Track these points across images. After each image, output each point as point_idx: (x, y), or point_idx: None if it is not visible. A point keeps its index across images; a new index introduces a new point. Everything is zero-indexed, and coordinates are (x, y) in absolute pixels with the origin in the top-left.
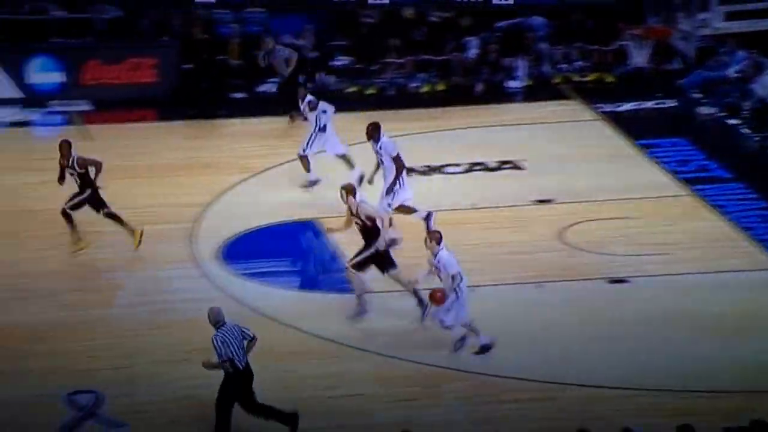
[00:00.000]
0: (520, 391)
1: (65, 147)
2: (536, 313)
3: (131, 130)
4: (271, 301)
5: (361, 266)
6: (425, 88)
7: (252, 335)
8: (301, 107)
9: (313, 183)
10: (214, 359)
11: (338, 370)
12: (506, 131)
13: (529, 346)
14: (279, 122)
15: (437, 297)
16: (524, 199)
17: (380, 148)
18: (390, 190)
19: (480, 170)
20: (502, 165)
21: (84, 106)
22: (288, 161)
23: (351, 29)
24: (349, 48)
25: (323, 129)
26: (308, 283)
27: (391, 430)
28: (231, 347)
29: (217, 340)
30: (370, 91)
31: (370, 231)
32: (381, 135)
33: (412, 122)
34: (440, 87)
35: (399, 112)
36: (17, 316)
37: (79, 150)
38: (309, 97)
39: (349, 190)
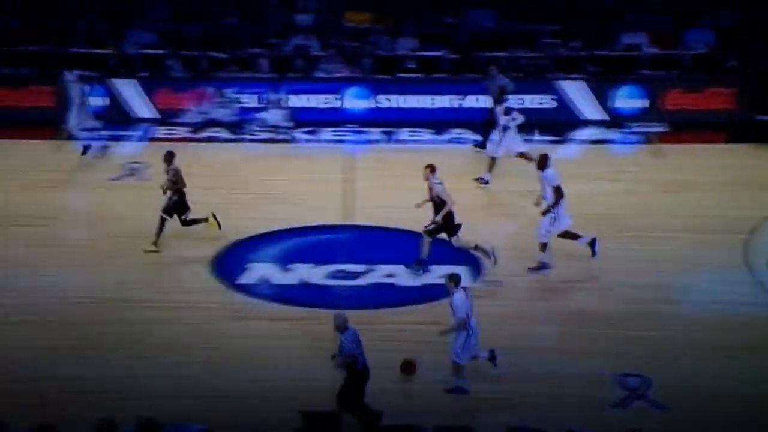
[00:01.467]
0: None
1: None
2: None
3: (700, 149)
4: None
5: (431, 233)
6: None
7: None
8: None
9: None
10: (340, 360)
11: None
12: None
13: None
14: None
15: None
16: None
17: (545, 177)
18: (545, 212)
19: None
20: None
21: (661, 128)
22: None
23: None
24: None
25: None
26: None
27: None
28: (358, 348)
29: (344, 343)
30: None
31: (439, 207)
32: (547, 165)
33: None
34: None
35: None
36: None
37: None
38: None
39: (433, 169)
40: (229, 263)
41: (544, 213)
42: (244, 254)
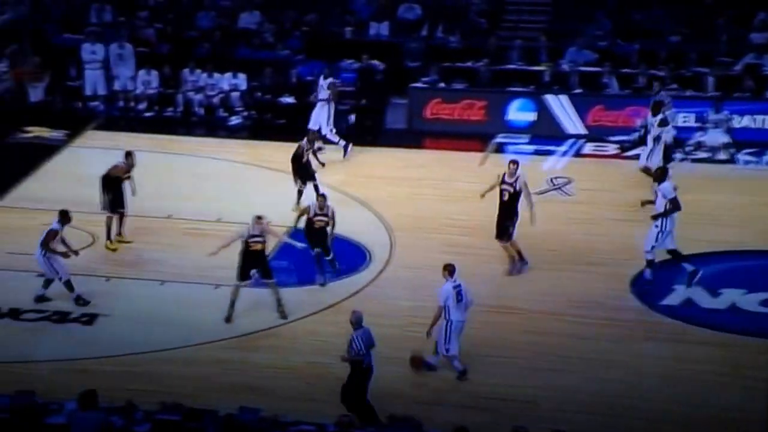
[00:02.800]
0: None
1: None
2: None
3: None
4: None
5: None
6: None
7: (374, 343)
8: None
9: None
10: (348, 355)
11: None
12: None
13: None
14: None
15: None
16: None
17: (660, 189)
18: (656, 217)
19: None
20: None
21: None
22: None
23: None
24: None
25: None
26: None
27: None
28: (365, 346)
29: (357, 338)
30: None
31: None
32: (665, 179)
33: None
34: None
35: None
36: None
37: None
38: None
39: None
40: (654, 283)
41: (655, 218)
42: (672, 275)
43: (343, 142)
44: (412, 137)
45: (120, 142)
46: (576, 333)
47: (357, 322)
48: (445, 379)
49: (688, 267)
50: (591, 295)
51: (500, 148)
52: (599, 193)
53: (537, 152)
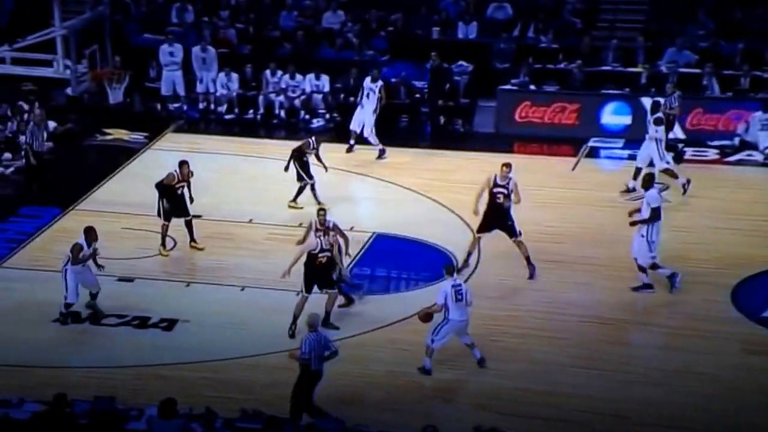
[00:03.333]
0: None
1: None
2: None
3: None
4: None
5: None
6: None
7: (334, 349)
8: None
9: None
10: (297, 353)
11: None
12: None
13: None
14: None
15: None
16: None
17: (645, 195)
18: (634, 223)
19: None
20: None
21: None
22: None
23: None
24: None
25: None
26: None
27: None
28: (314, 351)
29: (306, 341)
30: None
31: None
32: (650, 186)
33: None
34: None
35: None
36: None
37: None
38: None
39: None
40: (755, 294)
41: (633, 224)
42: None
43: (380, 147)
44: (500, 141)
45: (200, 145)
46: (669, 345)
47: (310, 325)
48: (534, 391)
49: None
50: (686, 306)
51: (593, 153)
52: (697, 200)
53: (631, 157)
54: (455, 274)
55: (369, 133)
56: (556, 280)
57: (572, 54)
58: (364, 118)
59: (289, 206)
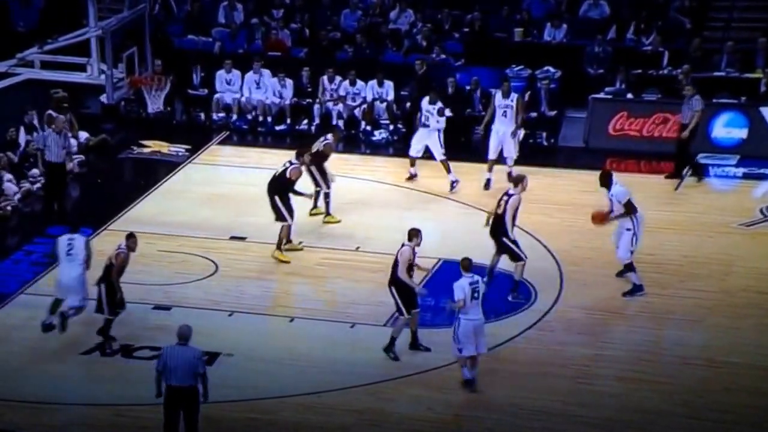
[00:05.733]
0: None
1: None
2: None
3: None
4: None
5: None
6: None
7: (203, 372)
8: None
9: None
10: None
11: None
12: None
13: None
14: None
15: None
16: None
17: (612, 195)
18: (615, 218)
19: None
20: None
21: None
22: None
23: None
24: None
25: None
26: None
27: None
28: (168, 364)
29: (164, 351)
30: None
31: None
32: (612, 183)
33: None
34: None
35: None
36: None
37: None
38: None
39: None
40: None
41: (615, 218)
42: None
43: (453, 177)
44: (591, 157)
45: (247, 158)
46: None
47: (182, 336)
48: None
49: None
50: None
51: (702, 171)
52: None
53: (747, 176)
54: (471, 269)
55: (442, 157)
56: (658, 317)
57: (679, 58)
58: (425, 143)
59: (324, 222)
